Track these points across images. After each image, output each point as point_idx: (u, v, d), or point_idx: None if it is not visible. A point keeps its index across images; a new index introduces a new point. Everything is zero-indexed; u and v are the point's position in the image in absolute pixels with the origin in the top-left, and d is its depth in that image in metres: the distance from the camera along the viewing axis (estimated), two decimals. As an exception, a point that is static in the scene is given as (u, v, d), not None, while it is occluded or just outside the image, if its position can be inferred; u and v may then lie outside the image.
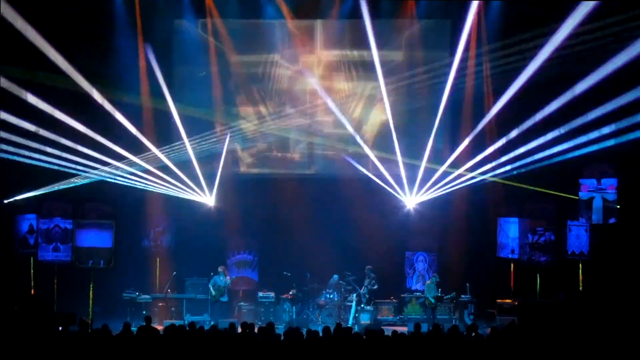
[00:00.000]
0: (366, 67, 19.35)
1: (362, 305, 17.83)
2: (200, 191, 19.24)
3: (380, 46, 18.61)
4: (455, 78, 18.18)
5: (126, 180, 18.52)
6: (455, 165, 18.87)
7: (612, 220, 17.04)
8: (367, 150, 19.22)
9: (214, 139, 19.43)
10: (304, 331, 11.55)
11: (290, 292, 18.24)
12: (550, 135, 17.22)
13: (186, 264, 18.84)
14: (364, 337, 11.27)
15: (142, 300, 17.95)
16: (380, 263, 18.64)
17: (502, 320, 16.43)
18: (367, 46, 18.59)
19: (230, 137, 19.50)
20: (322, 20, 19.33)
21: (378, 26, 18.56)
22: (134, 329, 12.29)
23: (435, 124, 18.69)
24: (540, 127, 17.34)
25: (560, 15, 15.48)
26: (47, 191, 18.10)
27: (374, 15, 18.58)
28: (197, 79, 19.40)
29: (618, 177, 16.98)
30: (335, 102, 19.43)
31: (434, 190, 19.02)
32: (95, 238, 17.87)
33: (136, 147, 18.44)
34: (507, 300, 17.91)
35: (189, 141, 18.95)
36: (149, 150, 18.50)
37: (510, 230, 18.44)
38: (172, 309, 18.26)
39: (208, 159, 19.53)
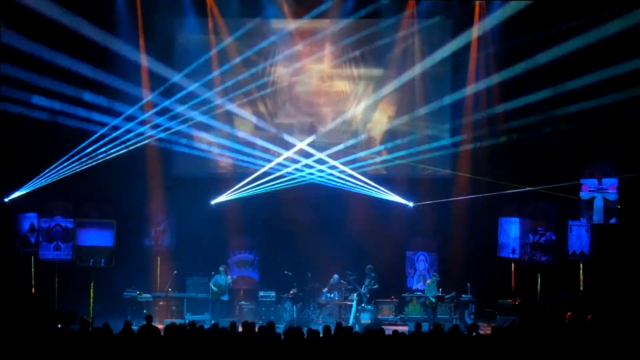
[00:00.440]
0: (369, 67, 19.39)
1: (363, 305, 17.83)
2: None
3: (381, 45, 18.69)
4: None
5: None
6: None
7: (613, 221, 17.02)
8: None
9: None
10: (305, 330, 11.56)
11: (291, 292, 18.25)
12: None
13: (187, 263, 18.85)
14: (365, 336, 11.27)
15: (143, 299, 17.96)
16: (381, 262, 18.63)
17: (502, 320, 16.41)
18: (368, 45, 18.67)
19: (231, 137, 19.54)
20: (323, 19, 19.31)
21: (377, 26, 18.64)
22: (134, 327, 12.30)
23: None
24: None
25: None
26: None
27: (374, 15, 18.65)
28: (197, 79, 19.41)
29: (619, 177, 16.98)
30: (336, 101, 19.48)
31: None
32: (96, 237, 17.86)
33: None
34: (508, 300, 17.91)
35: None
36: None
37: (511, 230, 18.43)
38: (173, 308, 18.26)
39: (207, 158, 19.59)
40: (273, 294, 18.50)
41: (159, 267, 19.06)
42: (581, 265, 17.49)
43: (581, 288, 17.37)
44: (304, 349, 10.51)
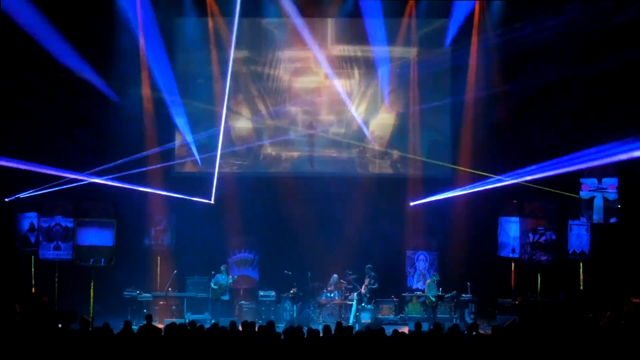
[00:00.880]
0: (369, 66, 19.40)
1: (363, 304, 17.83)
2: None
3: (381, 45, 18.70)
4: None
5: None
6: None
7: (613, 220, 17.03)
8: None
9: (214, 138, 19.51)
10: (305, 330, 11.56)
11: (291, 291, 18.24)
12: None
13: (187, 262, 18.85)
14: (365, 336, 11.27)
15: (143, 298, 17.95)
16: (381, 262, 18.64)
17: (502, 319, 16.41)
18: (369, 44, 18.70)
19: (231, 136, 19.52)
20: (323, 18, 19.31)
21: (378, 25, 18.63)
22: (134, 327, 12.30)
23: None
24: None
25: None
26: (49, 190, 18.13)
27: (374, 14, 18.64)
28: (198, 78, 19.41)
29: (619, 176, 16.99)
30: (338, 100, 19.50)
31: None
32: (96, 236, 17.84)
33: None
34: (508, 300, 17.91)
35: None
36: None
37: (511, 230, 18.41)
38: (173, 307, 18.25)
39: (208, 158, 19.59)
40: (273, 293, 18.50)
41: (159, 267, 19.05)
42: (581, 264, 17.49)
43: (581, 287, 17.37)
44: (304, 349, 10.51)
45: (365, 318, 17.67)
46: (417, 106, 19.44)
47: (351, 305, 17.83)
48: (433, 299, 17.50)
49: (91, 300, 17.16)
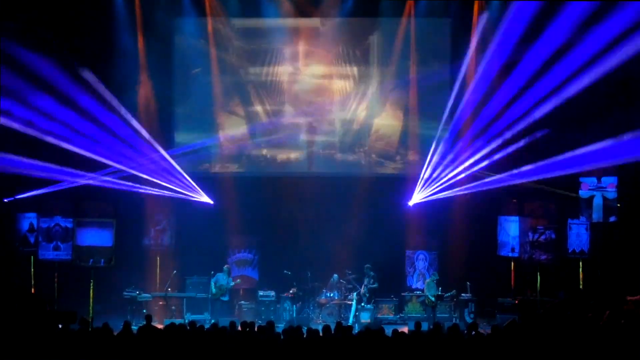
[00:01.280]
0: (368, 66, 19.41)
1: (363, 304, 17.83)
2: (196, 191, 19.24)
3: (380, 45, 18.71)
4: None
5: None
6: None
7: (612, 219, 17.05)
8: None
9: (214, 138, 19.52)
10: (305, 330, 11.56)
11: (291, 291, 18.24)
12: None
13: (187, 262, 18.83)
14: (365, 335, 11.27)
15: (143, 299, 17.94)
16: (381, 262, 18.62)
17: (502, 318, 16.42)
18: (369, 44, 18.72)
19: (231, 135, 19.53)
20: (323, 18, 19.30)
21: (377, 25, 18.65)
22: (134, 327, 12.30)
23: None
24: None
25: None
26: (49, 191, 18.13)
27: (373, 14, 18.63)
28: (197, 78, 19.41)
29: (618, 175, 17.00)
30: (337, 101, 19.50)
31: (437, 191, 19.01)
32: (96, 237, 17.88)
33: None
34: (508, 299, 17.92)
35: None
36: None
37: (510, 229, 18.43)
38: (173, 307, 18.24)
39: (208, 158, 19.60)
40: (273, 293, 18.49)
41: (158, 267, 19.03)
42: (581, 263, 17.50)
43: (581, 286, 17.37)
44: (304, 349, 10.51)
45: (365, 318, 17.67)
46: (417, 106, 19.43)
47: (351, 305, 17.82)
48: (432, 299, 17.51)
49: (91, 300, 17.17)
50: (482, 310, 18.30)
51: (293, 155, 19.85)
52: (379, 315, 18.22)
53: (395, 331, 11.47)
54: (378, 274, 18.12)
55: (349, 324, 16.71)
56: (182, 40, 19.49)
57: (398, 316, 18.58)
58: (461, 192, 18.76)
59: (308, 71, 19.70)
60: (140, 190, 18.51)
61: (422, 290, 18.26)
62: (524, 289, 18.06)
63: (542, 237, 17.95)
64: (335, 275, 18.34)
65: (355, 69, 19.64)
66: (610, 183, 17.06)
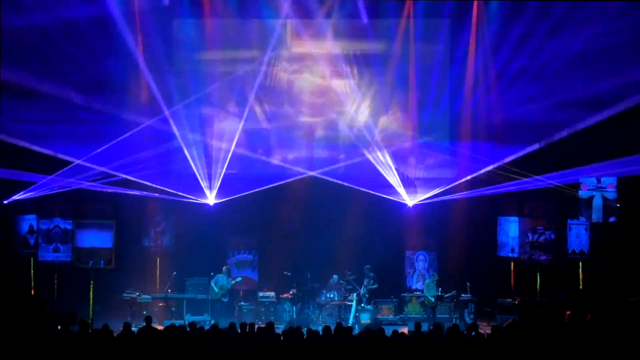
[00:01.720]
0: (368, 66, 19.41)
1: (363, 305, 17.83)
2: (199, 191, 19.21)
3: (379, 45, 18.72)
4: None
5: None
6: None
7: (612, 219, 17.05)
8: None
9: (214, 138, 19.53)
10: (305, 331, 11.56)
11: (291, 292, 18.25)
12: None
13: (186, 264, 18.84)
14: (365, 336, 11.27)
15: (143, 300, 17.94)
16: (381, 262, 18.64)
17: (502, 319, 16.42)
18: (369, 44, 18.74)
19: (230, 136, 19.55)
20: (320, 19, 19.28)
21: (377, 26, 18.65)
22: (134, 329, 12.30)
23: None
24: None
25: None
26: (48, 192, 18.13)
27: (372, 15, 18.64)
28: (197, 78, 19.42)
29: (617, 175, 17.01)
30: (336, 102, 19.51)
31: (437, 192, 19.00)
32: (96, 238, 17.88)
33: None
34: (508, 299, 17.92)
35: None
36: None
37: (510, 229, 18.45)
38: (173, 309, 18.24)
39: (208, 159, 19.60)
40: (272, 294, 18.48)
41: (158, 268, 19.03)
42: (580, 264, 17.50)
43: (581, 287, 17.37)
44: (304, 350, 10.51)
45: (365, 318, 17.67)
46: (416, 106, 19.44)
47: (351, 306, 17.83)
48: (432, 299, 17.51)
49: (91, 302, 17.18)
50: (482, 310, 18.30)
51: (293, 156, 19.83)
52: (379, 316, 18.22)
53: (395, 332, 11.48)
54: (378, 274, 18.11)
55: (349, 324, 16.74)
56: (181, 41, 19.47)
57: (398, 317, 18.57)
58: (462, 196, 18.81)
59: (308, 72, 19.69)
60: (140, 193, 18.53)
61: (422, 291, 18.26)
62: (524, 290, 18.06)
63: (542, 237, 17.96)
64: (335, 276, 18.34)
65: (355, 70, 19.62)
66: (609, 183, 17.06)
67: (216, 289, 17.67)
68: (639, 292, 15.27)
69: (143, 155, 18.61)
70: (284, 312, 18.27)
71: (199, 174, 19.19)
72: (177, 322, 15.12)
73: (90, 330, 11.93)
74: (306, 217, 19.18)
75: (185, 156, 18.97)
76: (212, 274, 17.89)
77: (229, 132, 19.52)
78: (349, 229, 19.01)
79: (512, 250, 18.36)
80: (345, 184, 19.16)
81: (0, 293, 14.98)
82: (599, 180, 17.12)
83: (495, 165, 18.24)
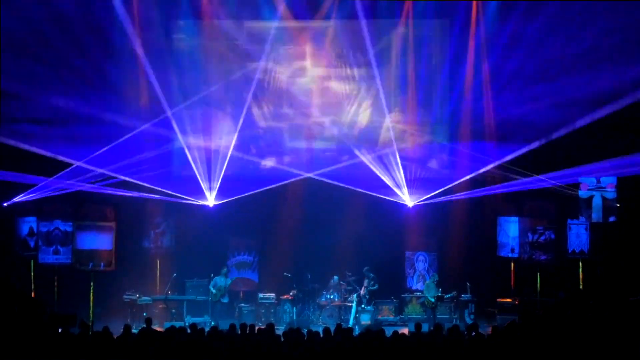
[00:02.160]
0: (368, 67, 19.41)
1: (363, 306, 17.83)
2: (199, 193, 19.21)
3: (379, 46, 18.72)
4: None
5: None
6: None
7: (612, 219, 17.04)
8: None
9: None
10: (305, 332, 11.56)
11: (291, 293, 18.26)
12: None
13: (186, 265, 18.84)
14: (365, 337, 11.27)
15: (143, 302, 17.94)
16: (381, 263, 18.65)
17: (502, 319, 16.43)
18: (366, 46, 18.71)
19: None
20: (319, 20, 19.30)
21: (376, 26, 18.65)
22: (134, 330, 12.30)
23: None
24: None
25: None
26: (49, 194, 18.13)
27: (371, 16, 18.64)
28: (196, 78, 19.41)
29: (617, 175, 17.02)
30: (336, 103, 19.51)
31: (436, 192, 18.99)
32: (96, 240, 17.86)
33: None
34: (508, 300, 17.92)
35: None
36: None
37: (510, 229, 18.43)
38: (173, 310, 18.25)
39: (207, 160, 19.60)
40: (273, 295, 18.49)
41: (158, 270, 19.03)
42: (580, 263, 17.49)
43: (581, 287, 17.37)
44: (304, 351, 10.50)
45: (365, 319, 17.68)
46: (416, 106, 19.44)
47: (351, 307, 17.83)
48: (432, 299, 17.50)
49: (91, 304, 17.17)
50: (482, 311, 18.30)
51: (293, 157, 19.82)
52: (379, 317, 18.23)
53: (395, 333, 11.47)
54: (378, 275, 18.11)
55: (349, 325, 16.74)
56: (180, 42, 19.47)
57: (398, 317, 18.59)
58: (461, 197, 18.80)
59: (307, 73, 19.69)
60: (140, 195, 18.52)
61: (422, 292, 18.26)
62: (524, 290, 18.06)
63: (542, 237, 17.95)
64: (336, 277, 18.35)
65: (355, 71, 19.62)
66: (609, 183, 17.05)
67: (214, 291, 17.68)
68: (639, 291, 15.25)
69: (143, 157, 18.61)
70: (284, 313, 18.27)
71: (199, 176, 19.21)
72: (178, 324, 15.10)
73: (90, 332, 11.94)
74: (306, 218, 19.17)
75: (185, 158, 18.97)
76: (211, 275, 17.90)
77: (228, 134, 19.52)
78: (349, 230, 19.01)
79: (512, 251, 18.35)
80: (345, 185, 19.16)
81: (1, 295, 14.99)
82: (598, 180, 17.11)
83: (495, 165, 18.26)
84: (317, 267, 18.75)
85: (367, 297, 17.90)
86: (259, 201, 19.31)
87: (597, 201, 17.04)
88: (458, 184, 18.81)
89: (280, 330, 13.14)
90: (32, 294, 17.46)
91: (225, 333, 11.66)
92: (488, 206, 18.91)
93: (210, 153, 19.47)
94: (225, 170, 19.57)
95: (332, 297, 18.18)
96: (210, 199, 19.25)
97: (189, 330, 11.80)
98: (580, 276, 17.44)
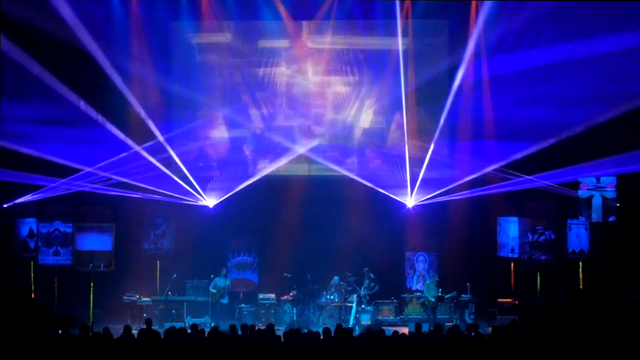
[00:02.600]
0: (368, 67, 19.42)
1: (363, 306, 17.83)
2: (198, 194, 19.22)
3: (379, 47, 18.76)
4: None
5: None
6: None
7: (611, 219, 17.05)
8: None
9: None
10: (305, 332, 11.56)
11: (291, 294, 18.26)
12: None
13: (186, 266, 18.84)
14: (365, 337, 11.27)
15: (143, 303, 17.95)
16: (381, 263, 18.66)
17: (502, 319, 16.43)
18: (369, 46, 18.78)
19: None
20: (319, 20, 19.30)
21: (375, 27, 18.67)
22: (134, 331, 12.30)
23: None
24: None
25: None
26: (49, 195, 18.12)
27: (370, 16, 18.65)
28: (195, 79, 19.41)
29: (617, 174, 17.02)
30: (335, 103, 19.50)
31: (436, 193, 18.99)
32: (96, 241, 17.87)
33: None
34: (508, 300, 17.93)
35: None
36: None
37: (510, 230, 18.45)
38: (173, 311, 18.23)
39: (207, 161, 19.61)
40: (273, 296, 18.50)
41: (158, 271, 19.03)
42: (580, 263, 17.50)
43: (581, 286, 17.38)
44: (304, 351, 10.51)
45: (365, 320, 17.68)
46: (416, 107, 19.44)
47: (351, 307, 17.83)
48: (432, 299, 17.50)
49: (91, 305, 17.17)
50: (482, 311, 18.30)
51: (292, 157, 19.81)
52: (379, 317, 18.23)
53: (395, 333, 11.48)
54: (378, 276, 18.12)
55: (350, 326, 16.75)
56: (180, 43, 19.46)
57: (398, 318, 18.59)
58: (461, 196, 18.79)
59: (306, 73, 19.69)
60: (140, 196, 18.51)
61: (422, 292, 18.26)
62: (524, 290, 18.06)
63: (542, 237, 17.96)
64: (336, 278, 18.35)
65: (355, 71, 19.62)
66: (609, 183, 17.06)
67: (214, 291, 17.69)
68: (639, 291, 15.26)
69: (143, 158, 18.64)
70: (284, 313, 18.28)
71: (198, 177, 19.23)
72: (178, 325, 15.08)
73: (90, 334, 11.94)
74: (306, 219, 19.19)
75: (185, 158, 18.98)
76: (212, 276, 17.91)
77: (227, 134, 19.54)
78: (349, 230, 19.03)
79: (512, 251, 18.37)
80: (346, 185, 19.16)
81: (0, 297, 15.00)
82: (598, 180, 17.11)
83: (495, 165, 18.25)
84: (317, 267, 18.75)
85: (367, 297, 17.91)
86: (259, 202, 19.34)
87: (597, 201, 17.04)
88: (458, 184, 18.80)
89: (280, 330, 13.13)
90: (32, 295, 17.47)
91: (225, 334, 11.65)
92: (488, 206, 18.91)
93: (210, 153, 19.50)
94: (226, 171, 19.60)
95: (332, 297, 18.18)
96: (210, 200, 19.22)
97: (189, 331, 11.80)
98: (580, 276, 17.44)
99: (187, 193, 18.98)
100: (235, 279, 18.67)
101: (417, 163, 19.08)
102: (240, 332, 11.94)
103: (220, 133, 19.66)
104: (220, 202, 19.23)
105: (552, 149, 17.41)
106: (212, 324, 16.30)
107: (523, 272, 18.38)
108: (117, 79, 17.51)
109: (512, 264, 18.54)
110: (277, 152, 19.57)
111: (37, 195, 18.02)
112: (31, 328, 12.10)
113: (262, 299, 18.48)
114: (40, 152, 17.15)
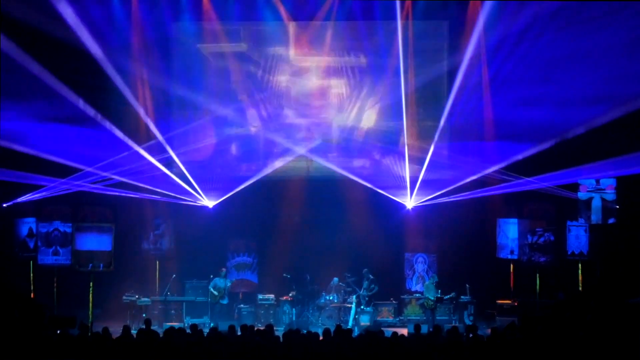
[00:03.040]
0: (367, 68, 19.41)
1: (362, 307, 17.83)
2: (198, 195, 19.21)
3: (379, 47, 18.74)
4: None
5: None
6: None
7: (611, 221, 17.05)
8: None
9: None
10: (304, 333, 11.56)
11: (290, 294, 18.26)
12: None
13: (186, 266, 18.85)
14: (364, 338, 11.27)
15: (142, 303, 17.94)
16: (380, 264, 18.66)
17: (502, 320, 16.43)
18: (369, 46, 18.75)
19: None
20: (319, 22, 19.30)
21: (374, 27, 18.66)
22: (134, 332, 12.30)
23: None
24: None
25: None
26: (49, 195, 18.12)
27: (369, 17, 18.64)
28: (195, 80, 19.41)
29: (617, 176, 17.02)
30: (335, 103, 19.50)
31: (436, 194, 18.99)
32: (95, 241, 17.88)
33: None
34: (507, 301, 17.93)
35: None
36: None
37: (509, 231, 18.46)
38: (172, 311, 18.24)
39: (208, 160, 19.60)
40: (272, 296, 18.49)
41: (157, 271, 19.04)
42: (580, 265, 17.50)
43: (580, 288, 17.38)
44: (304, 352, 10.51)
45: (365, 320, 17.68)
46: (415, 108, 19.44)
47: (350, 308, 17.83)
48: (432, 299, 17.50)
49: (90, 305, 17.19)
50: (481, 312, 18.30)
51: (292, 158, 19.81)
52: (378, 318, 18.24)
53: (394, 334, 11.48)
54: (377, 277, 18.13)
55: (349, 326, 16.74)
56: (180, 44, 19.46)
57: (397, 319, 18.59)
58: (461, 198, 18.78)
59: (307, 74, 19.68)
60: (140, 196, 18.51)
61: (422, 293, 18.26)
62: (523, 291, 18.06)
63: (541, 239, 17.97)
64: (336, 279, 18.36)
65: (355, 71, 19.61)
66: (609, 185, 17.06)
67: (215, 292, 17.70)
68: (638, 293, 15.26)
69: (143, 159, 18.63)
70: (283, 314, 18.27)
71: (197, 178, 19.24)
72: (177, 325, 15.08)
73: (89, 334, 11.93)
74: (305, 220, 19.19)
75: (184, 159, 18.98)
76: (211, 276, 17.91)
77: (227, 135, 19.53)
78: (349, 231, 19.04)
79: (512, 252, 18.38)
80: (346, 185, 19.16)
81: (0, 297, 15.01)
82: (598, 182, 17.12)
83: (495, 166, 18.25)
84: (317, 268, 18.74)
85: (367, 298, 17.91)
86: (258, 202, 19.32)
87: (596, 203, 17.04)
88: (457, 185, 18.80)
89: (279, 331, 13.13)
90: (32, 295, 17.47)
91: (224, 334, 11.65)
92: (487, 208, 18.91)
93: (210, 154, 19.49)
94: (226, 171, 19.59)
95: (331, 298, 18.18)
96: (210, 201, 19.21)
97: (188, 332, 11.81)
98: (580, 278, 17.45)
99: (187, 193, 18.98)
100: (234, 280, 18.66)
101: (417, 164, 19.10)
102: (239, 333, 11.94)
103: (217, 132, 19.65)
104: (220, 202, 19.23)
105: (551, 150, 17.43)
106: (212, 324, 16.29)
107: (522, 273, 18.39)
108: (117, 79, 17.55)
109: (511, 266, 18.54)
110: (274, 152, 19.58)
111: (37, 195, 18.01)
112: (31, 328, 12.10)
113: (261, 300, 18.47)
114: (40, 152, 17.15)
